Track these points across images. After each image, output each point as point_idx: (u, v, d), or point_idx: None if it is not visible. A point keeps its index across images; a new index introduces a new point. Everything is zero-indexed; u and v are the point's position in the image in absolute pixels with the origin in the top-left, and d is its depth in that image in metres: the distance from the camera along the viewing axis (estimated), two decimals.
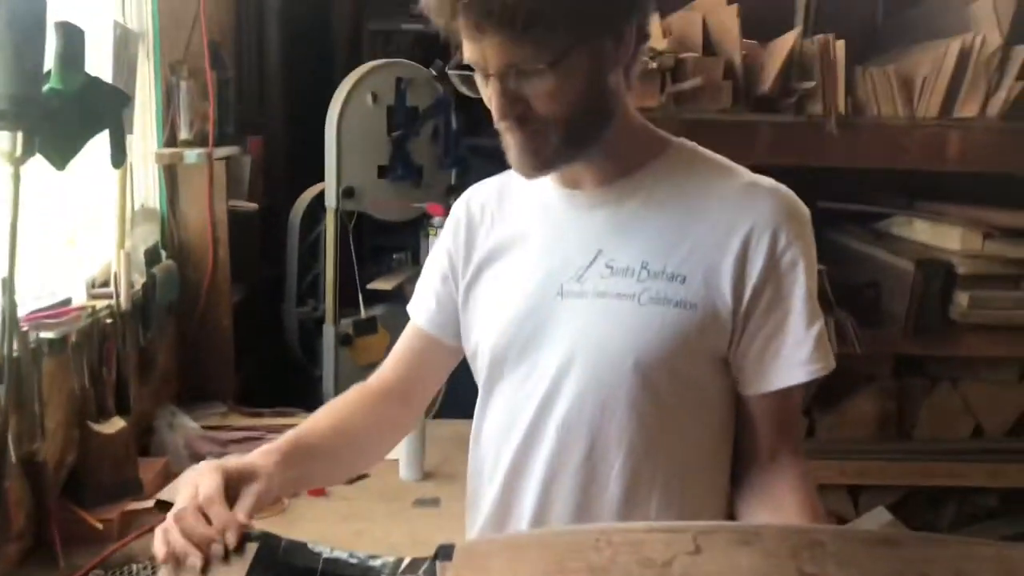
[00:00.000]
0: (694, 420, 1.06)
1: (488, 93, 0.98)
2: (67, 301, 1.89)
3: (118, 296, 2.04)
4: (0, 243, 1.52)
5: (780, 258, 1.01)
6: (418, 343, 1.26)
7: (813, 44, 2.66)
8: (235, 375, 2.56)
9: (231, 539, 0.83)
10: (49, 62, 1.46)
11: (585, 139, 1.00)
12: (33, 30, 1.34)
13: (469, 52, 0.96)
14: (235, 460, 0.96)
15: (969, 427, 2.95)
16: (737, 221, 1.01)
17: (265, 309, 2.82)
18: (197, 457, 2.09)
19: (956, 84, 2.60)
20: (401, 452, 2.06)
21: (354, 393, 1.24)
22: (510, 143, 1.01)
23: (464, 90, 1.03)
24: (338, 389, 2.70)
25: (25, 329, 1.65)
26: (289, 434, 1.06)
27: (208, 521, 0.86)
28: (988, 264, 2.66)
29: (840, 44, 2.64)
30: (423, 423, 2.06)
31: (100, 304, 1.98)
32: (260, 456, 0.99)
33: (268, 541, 0.86)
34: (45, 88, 1.44)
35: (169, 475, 2.03)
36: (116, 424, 1.87)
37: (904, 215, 3.02)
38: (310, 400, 2.67)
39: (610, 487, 1.07)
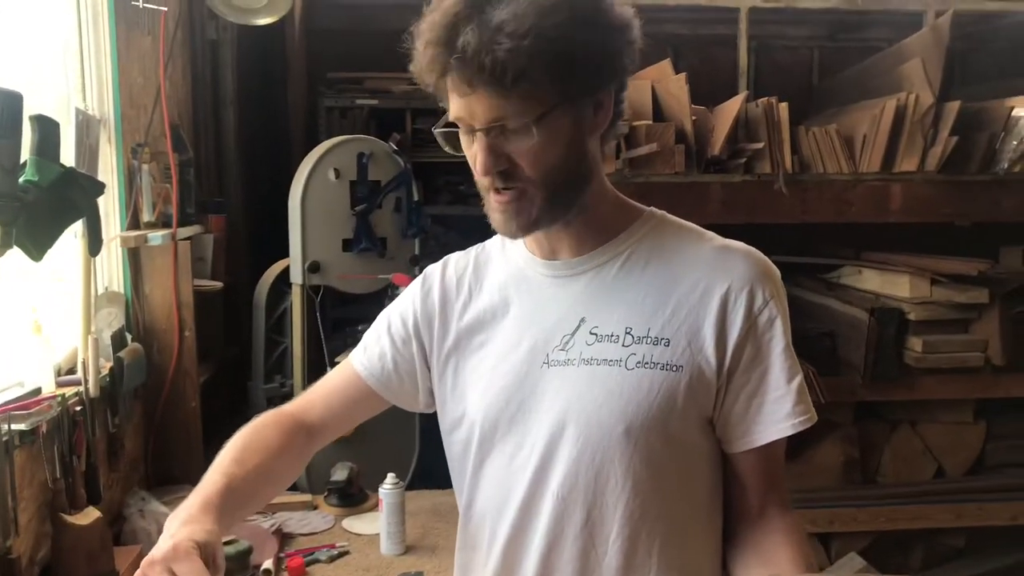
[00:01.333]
0: (687, 481, 1.08)
1: (473, 151, 1.00)
2: (37, 391, 1.86)
3: (87, 383, 2.01)
4: None
5: (758, 316, 1.05)
6: (354, 392, 1.24)
7: (758, 107, 2.79)
8: (203, 455, 2.52)
9: None
10: (24, 154, 1.47)
11: (565, 201, 1.03)
12: (11, 125, 1.36)
13: (456, 108, 0.99)
14: (193, 535, 0.92)
15: (931, 469, 3.02)
16: (714, 283, 1.05)
17: (232, 387, 2.80)
18: None
19: (894, 140, 2.74)
20: (381, 526, 2.04)
21: (274, 429, 1.16)
22: (493, 205, 1.03)
23: (448, 149, 1.05)
24: (309, 466, 2.68)
25: None
26: (220, 484, 1.03)
27: None
28: (938, 309, 2.78)
29: (784, 106, 2.77)
30: (403, 495, 2.05)
31: (69, 392, 1.95)
32: (204, 520, 0.96)
33: None
34: (21, 180, 1.45)
35: None
36: (91, 515, 1.83)
37: (853, 265, 3.14)
38: None
39: (609, 553, 1.08)
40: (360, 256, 2.67)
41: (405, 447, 2.79)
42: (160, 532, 1.77)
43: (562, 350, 1.11)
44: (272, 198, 3.20)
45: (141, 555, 2.03)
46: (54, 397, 1.85)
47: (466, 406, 1.17)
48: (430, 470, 2.69)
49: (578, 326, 1.10)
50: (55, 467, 1.84)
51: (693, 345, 1.05)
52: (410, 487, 2.31)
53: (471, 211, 3.42)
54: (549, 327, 1.12)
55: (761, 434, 1.06)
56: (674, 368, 1.04)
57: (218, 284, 2.71)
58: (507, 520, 1.14)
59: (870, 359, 2.79)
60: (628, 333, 1.07)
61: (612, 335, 1.08)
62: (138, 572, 0.88)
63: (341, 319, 2.84)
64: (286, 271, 2.71)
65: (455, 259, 1.23)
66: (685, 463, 1.08)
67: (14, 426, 1.69)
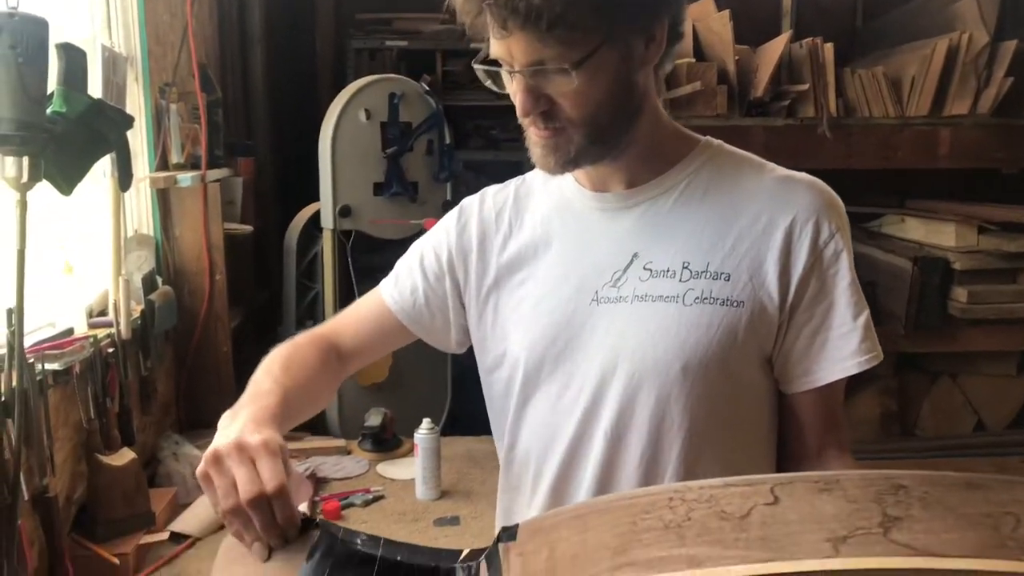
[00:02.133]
0: (744, 421, 1.04)
1: (513, 89, 0.95)
2: (69, 331, 1.84)
3: (118, 325, 1.99)
4: (5, 271, 1.48)
5: (823, 250, 0.99)
6: (384, 324, 1.19)
7: (802, 48, 2.68)
8: (235, 401, 2.50)
9: (293, 535, 0.82)
10: (51, 85, 1.42)
11: (610, 138, 0.97)
12: (36, 51, 1.30)
13: (495, 48, 0.93)
14: (267, 437, 0.83)
15: (971, 422, 2.96)
16: (777, 215, 0.99)
17: (262, 333, 2.78)
18: None
19: (945, 82, 2.63)
20: (416, 471, 2.02)
21: (312, 348, 1.10)
22: (533, 139, 0.97)
23: (490, 85, 1.00)
24: (341, 411, 2.67)
25: (31, 360, 1.60)
26: (278, 395, 0.95)
27: (271, 509, 0.80)
28: (984, 259, 2.68)
29: (829, 47, 2.67)
30: (438, 441, 2.03)
31: (101, 333, 1.93)
32: (269, 424, 0.88)
33: (328, 528, 0.84)
34: (48, 111, 1.40)
35: (178, 506, 1.98)
36: (125, 455, 1.82)
37: (897, 214, 3.04)
38: (313, 422, 2.63)
39: None
40: (391, 200, 2.62)
41: (438, 394, 2.77)
42: (193, 475, 1.74)
43: (613, 287, 1.05)
44: (300, 143, 3.15)
45: (176, 498, 2.04)
46: (86, 338, 1.83)
47: (507, 345, 1.12)
48: (463, 417, 2.67)
49: (631, 261, 1.05)
50: (89, 408, 1.83)
51: (755, 280, 0.99)
52: (442, 433, 2.29)
53: (503, 156, 3.35)
54: (598, 263, 1.06)
55: (824, 372, 1.01)
56: (735, 304, 0.99)
57: (248, 227, 2.67)
58: (554, 461, 1.10)
59: (912, 309, 2.72)
60: (686, 268, 1.02)
61: (668, 270, 1.03)
62: (209, 456, 0.80)
63: (372, 265, 2.80)
64: (317, 216, 2.67)
65: (493, 191, 1.17)
66: (743, 402, 1.03)
67: (47, 365, 1.67)
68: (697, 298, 1.00)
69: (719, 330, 0.99)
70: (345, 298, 2.59)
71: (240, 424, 0.85)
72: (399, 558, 0.83)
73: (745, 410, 1.04)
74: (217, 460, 0.80)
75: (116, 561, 1.67)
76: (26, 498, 1.55)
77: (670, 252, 1.02)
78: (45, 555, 1.65)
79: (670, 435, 1.02)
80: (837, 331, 1.00)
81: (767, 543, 0.61)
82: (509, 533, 0.78)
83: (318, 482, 2.12)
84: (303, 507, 1.92)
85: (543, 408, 1.10)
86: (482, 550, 0.81)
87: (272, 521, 0.79)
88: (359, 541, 0.84)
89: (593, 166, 1.02)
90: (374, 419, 2.29)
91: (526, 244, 1.11)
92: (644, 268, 1.03)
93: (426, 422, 2.02)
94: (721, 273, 1.00)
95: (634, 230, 1.04)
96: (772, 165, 1.06)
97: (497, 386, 1.15)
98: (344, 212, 2.57)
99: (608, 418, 1.03)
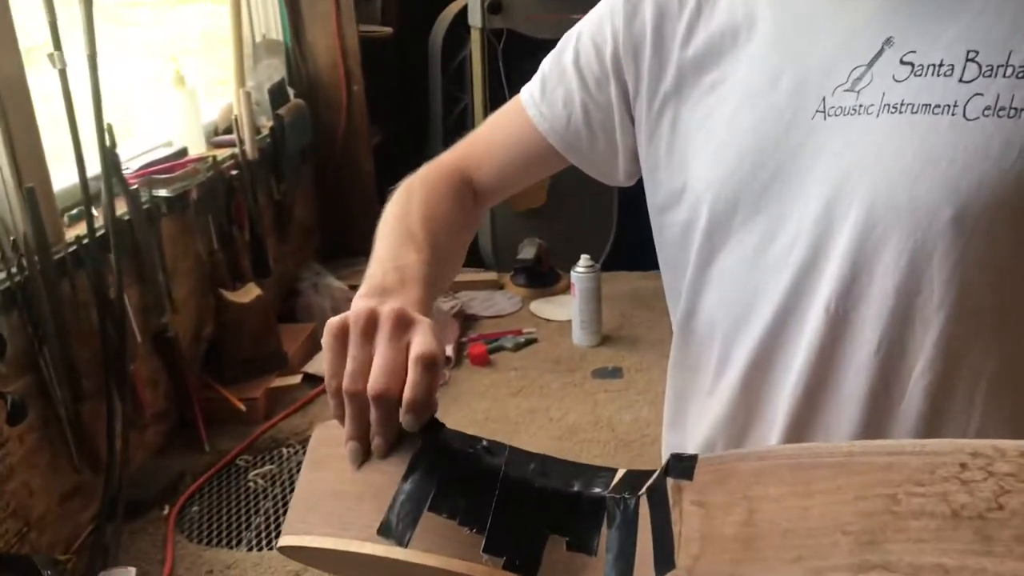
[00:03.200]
0: None
1: None
2: (182, 152, 1.64)
3: (242, 143, 1.78)
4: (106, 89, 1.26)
5: None
6: (532, 150, 0.90)
7: None
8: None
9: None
10: None
11: None
12: None
13: None
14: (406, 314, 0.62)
15: None
16: None
17: (407, 151, 2.53)
18: None
19: None
20: (574, 313, 1.76)
21: (449, 197, 0.87)
22: None
23: None
24: (495, 240, 2.42)
25: (135, 187, 1.41)
26: (427, 256, 0.74)
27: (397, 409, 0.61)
28: None
29: None
30: (598, 279, 1.74)
31: (222, 154, 1.72)
32: (415, 301, 0.67)
33: (437, 440, 0.60)
34: None
35: (317, 343, 1.82)
36: (251, 292, 1.65)
37: None
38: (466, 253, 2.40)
39: (910, 395, 0.71)
40: None
41: (602, 220, 2.45)
42: (334, 308, 1.54)
43: (850, 90, 0.70)
44: None
45: (313, 334, 1.88)
46: (201, 159, 1.63)
47: (687, 177, 0.79)
48: (629, 247, 2.35)
49: (879, 52, 0.69)
50: (211, 239, 1.66)
51: None
52: (606, 268, 1.99)
53: None
54: (827, 56, 0.71)
55: None
56: None
57: (387, 29, 2.37)
58: (747, 343, 0.78)
59: None
60: (971, 60, 0.66)
61: (940, 64, 0.67)
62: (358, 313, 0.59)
63: (528, 70, 2.45)
64: (463, 13, 2.31)
65: None
66: None
67: (157, 192, 1.48)
68: (987, 108, 0.64)
69: (1019, 159, 0.62)
70: (497, 107, 2.27)
71: (382, 295, 0.63)
72: (528, 475, 0.58)
73: None
74: (365, 320, 0.58)
75: (243, 407, 1.53)
76: (139, 340, 1.41)
77: (943, 37, 0.65)
78: (172, 397, 1.54)
79: (924, 316, 0.68)
80: None
81: None
82: (684, 466, 0.52)
83: (465, 320, 1.90)
84: (448, 350, 1.72)
85: (735, 267, 0.77)
86: (644, 475, 0.55)
87: (392, 422, 0.58)
88: (477, 449, 0.59)
89: None
90: (528, 251, 2.02)
91: (720, 31, 0.75)
92: (901, 62, 0.67)
93: (584, 259, 1.73)
94: None
95: (885, 5, 0.67)
96: None
97: (671, 232, 0.84)
98: (494, 7, 2.20)
99: (831, 285, 0.69)
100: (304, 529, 0.58)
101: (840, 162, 0.67)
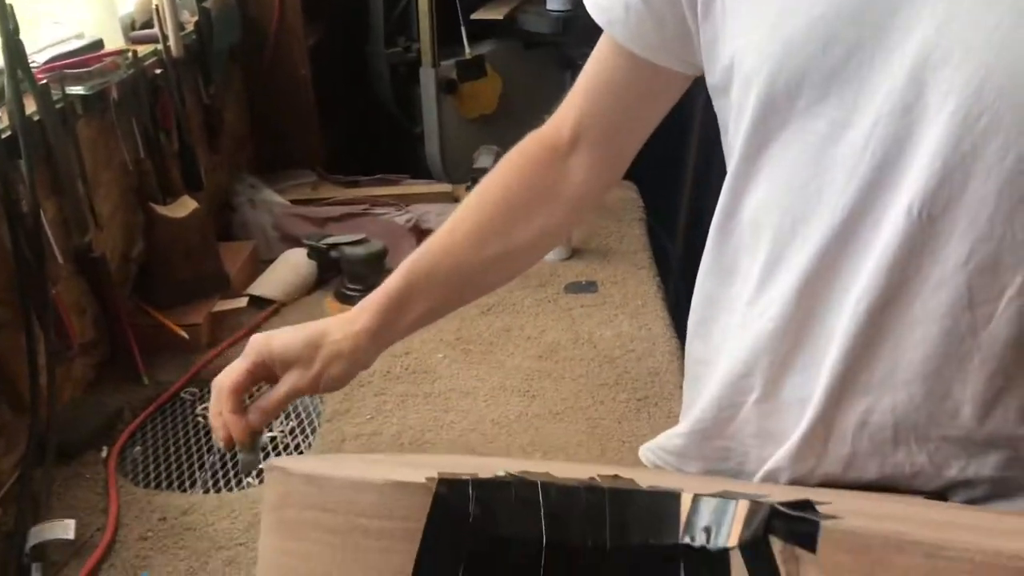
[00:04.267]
0: None
1: None
2: (98, 44, 1.42)
3: (166, 39, 1.56)
4: None
5: None
6: (611, 64, 0.79)
7: None
8: (320, 132, 2.11)
9: (241, 441, 0.74)
10: None
11: None
12: None
13: None
14: (292, 334, 0.75)
15: None
16: None
17: (346, 53, 2.31)
18: (289, 240, 1.71)
19: None
20: None
21: (514, 172, 0.83)
22: None
23: None
24: (443, 148, 2.25)
25: (44, 81, 1.21)
26: (406, 266, 0.78)
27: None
28: None
29: None
30: None
31: (143, 50, 1.51)
32: (344, 322, 0.76)
33: (448, 498, 0.47)
34: None
35: (258, 263, 1.66)
36: (187, 205, 1.46)
37: None
38: (412, 162, 2.23)
39: (998, 318, 0.60)
40: None
41: None
42: (275, 225, 1.67)
43: None
44: None
45: (256, 253, 1.71)
46: (120, 52, 1.41)
47: (735, 51, 0.67)
48: None
49: None
50: (137, 145, 1.46)
51: None
52: None
53: None
54: None
55: None
56: None
57: None
58: (808, 245, 0.68)
59: None
60: None
61: None
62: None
63: None
64: None
65: None
66: None
67: (71, 88, 1.28)
68: None
69: None
70: (444, 8, 2.07)
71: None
72: (573, 523, 0.48)
73: None
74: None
75: (184, 335, 1.37)
76: (60, 260, 1.22)
77: None
78: (102, 325, 1.36)
79: None
80: None
81: None
82: (801, 532, 0.43)
83: (421, 235, 1.75)
84: None
85: (795, 160, 0.65)
86: (723, 503, 0.46)
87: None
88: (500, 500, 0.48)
89: None
90: (485, 159, 1.87)
91: None
92: None
93: None
94: None
95: None
96: None
97: (724, 115, 0.72)
98: None
99: (917, 184, 0.59)
100: None
101: (930, 31, 0.55)
